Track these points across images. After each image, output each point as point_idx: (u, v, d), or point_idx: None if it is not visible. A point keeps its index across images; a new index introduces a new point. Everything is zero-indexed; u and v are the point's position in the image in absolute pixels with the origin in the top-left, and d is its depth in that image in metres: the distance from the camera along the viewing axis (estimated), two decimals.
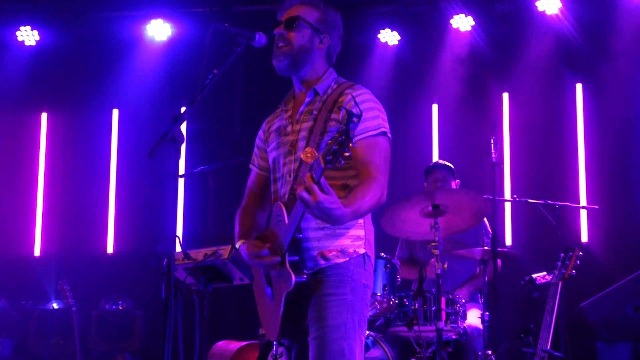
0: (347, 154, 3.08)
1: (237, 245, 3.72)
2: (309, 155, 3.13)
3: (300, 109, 3.76)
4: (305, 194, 3.17)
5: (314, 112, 3.68)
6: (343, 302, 3.53)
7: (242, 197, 4.01)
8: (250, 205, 3.96)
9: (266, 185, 3.92)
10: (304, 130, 3.67)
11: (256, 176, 3.99)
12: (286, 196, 3.64)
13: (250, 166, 4.03)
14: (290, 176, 3.66)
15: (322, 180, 3.17)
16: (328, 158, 3.08)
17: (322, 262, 3.57)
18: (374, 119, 3.59)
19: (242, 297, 8.38)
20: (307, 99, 3.76)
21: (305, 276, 3.51)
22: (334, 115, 3.59)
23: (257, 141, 3.99)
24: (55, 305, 8.51)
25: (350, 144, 3.06)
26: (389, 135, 3.64)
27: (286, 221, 3.51)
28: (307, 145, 3.58)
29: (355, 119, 3.06)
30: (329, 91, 3.74)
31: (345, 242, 3.60)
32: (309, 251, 3.56)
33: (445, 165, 6.75)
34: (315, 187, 3.16)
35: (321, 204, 3.18)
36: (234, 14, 9.00)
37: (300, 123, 3.71)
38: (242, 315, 8.57)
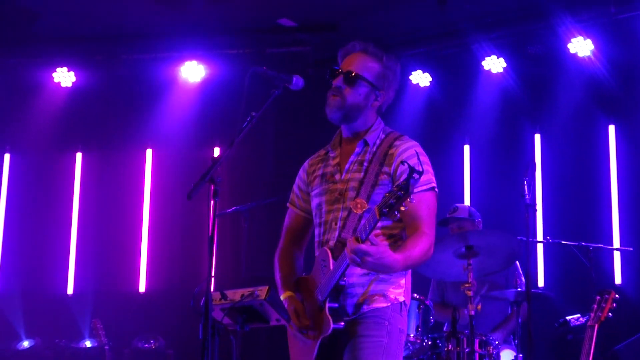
0: (403, 209, 3.12)
1: (281, 297, 3.73)
2: (359, 205, 3.19)
3: (351, 159, 3.77)
4: (353, 257, 3.25)
5: (365, 163, 3.71)
6: (379, 344, 3.54)
7: (280, 237, 4.02)
8: (288, 246, 3.98)
9: (304, 226, 3.95)
10: (354, 180, 3.70)
11: (295, 216, 4.00)
12: (331, 243, 3.65)
13: (289, 205, 4.03)
14: (336, 224, 3.68)
15: (371, 236, 3.25)
16: (384, 210, 3.13)
17: (364, 307, 3.60)
18: (425, 174, 3.60)
19: (274, 337, 8.38)
20: (357, 149, 3.77)
21: (343, 323, 3.54)
22: (385, 169, 3.63)
23: (299, 182, 4.00)
24: (88, 344, 8.54)
25: (408, 200, 3.09)
26: (436, 190, 3.67)
27: (331, 267, 3.54)
28: (357, 196, 3.61)
29: (416, 176, 3.11)
30: (378, 142, 3.76)
31: (387, 287, 3.63)
32: (353, 297, 3.59)
33: (454, 217, 6.64)
34: (362, 247, 3.22)
35: (371, 257, 3.24)
36: (266, 55, 9.10)
37: (350, 173, 3.74)
38: (274, 355, 8.55)
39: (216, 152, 9.21)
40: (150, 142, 9.65)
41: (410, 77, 9.16)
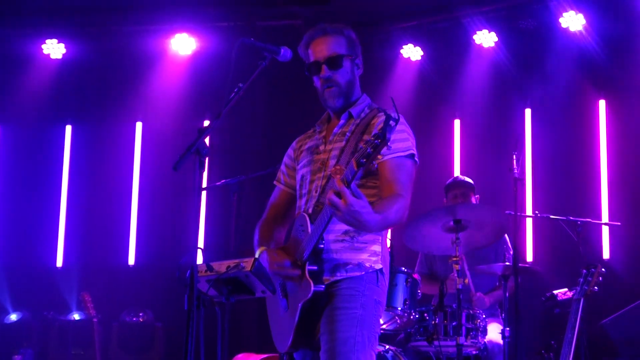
0: (380, 157, 3.14)
1: (257, 253, 3.76)
2: (337, 171, 3.17)
3: (335, 131, 3.82)
4: (335, 198, 3.20)
5: (347, 133, 3.74)
6: (353, 316, 3.56)
7: (264, 212, 4.04)
8: (270, 220, 4.02)
9: (289, 203, 3.98)
10: (335, 149, 3.74)
11: (280, 192, 4.04)
12: (310, 210, 3.67)
13: (275, 183, 4.08)
14: (316, 192, 3.72)
15: (353, 185, 3.21)
16: (362, 161, 3.11)
17: (338, 274, 3.61)
18: (403, 141, 3.64)
19: (262, 309, 8.39)
20: (341, 121, 3.82)
21: (323, 286, 3.56)
22: (365, 137, 3.61)
23: (286, 159, 4.04)
24: (76, 316, 8.55)
25: (386, 146, 3.08)
26: (416, 159, 3.69)
27: (309, 230, 3.56)
28: (337, 163, 3.63)
29: (392, 123, 3.10)
30: (362, 115, 3.81)
31: (363, 256, 3.64)
32: (328, 262, 3.60)
33: (464, 180, 6.76)
34: (347, 190, 3.18)
35: (352, 207, 3.21)
36: (257, 28, 9.05)
37: (333, 143, 3.78)
38: (263, 327, 8.57)
39: (206, 124, 9.16)
40: (140, 114, 9.62)
41: (402, 51, 9.14)
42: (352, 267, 3.61)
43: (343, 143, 3.72)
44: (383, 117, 3.59)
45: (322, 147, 3.82)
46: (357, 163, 3.13)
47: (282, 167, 4.05)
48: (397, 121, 3.10)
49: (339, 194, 3.19)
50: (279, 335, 3.76)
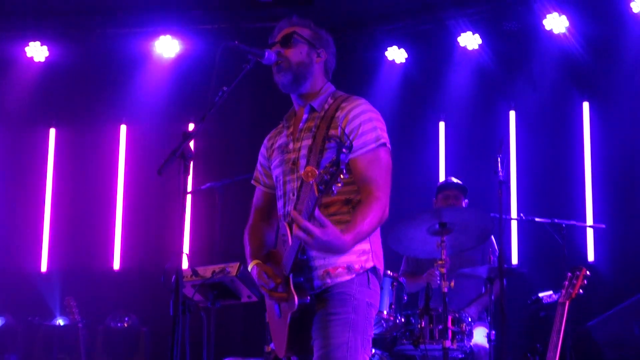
0: (339, 185, 3.12)
1: (249, 267, 3.74)
2: (309, 174, 3.17)
3: (300, 126, 3.77)
4: (301, 234, 3.22)
5: (313, 129, 3.69)
6: (345, 320, 3.53)
7: (249, 216, 4.02)
8: (257, 223, 3.98)
9: (272, 202, 3.93)
10: (304, 148, 3.69)
11: (262, 194, 4.00)
12: (290, 215, 3.64)
13: (254, 183, 4.04)
14: (293, 194, 3.67)
15: (317, 213, 3.21)
16: (321, 188, 3.11)
17: (328, 280, 3.57)
18: (372, 131, 3.60)
19: (248, 314, 8.38)
20: (305, 116, 3.77)
21: (308, 297, 3.52)
22: (332, 132, 3.60)
23: (260, 158, 4.00)
24: (61, 322, 8.51)
25: (342, 175, 3.09)
26: (388, 145, 3.65)
27: (289, 242, 3.52)
28: (307, 163, 3.59)
29: (345, 150, 3.10)
30: (326, 106, 3.74)
31: (351, 258, 3.59)
32: (315, 270, 3.57)
33: (458, 183, 6.76)
34: (309, 226, 3.20)
35: (318, 239, 3.23)
36: (241, 30, 9.03)
37: (300, 141, 3.72)
38: (248, 332, 8.56)
39: (191, 127, 9.17)
40: (124, 117, 9.58)
41: (386, 53, 9.14)
42: (342, 271, 3.58)
43: (310, 140, 3.66)
44: (347, 109, 3.61)
45: (291, 146, 3.77)
46: (317, 190, 3.13)
47: (258, 166, 4.01)
48: (349, 149, 3.12)
49: (303, 230, 3.21)
50: (276, 339, 3.73)
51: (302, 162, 3.66)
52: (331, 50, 3.89)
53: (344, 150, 3.10)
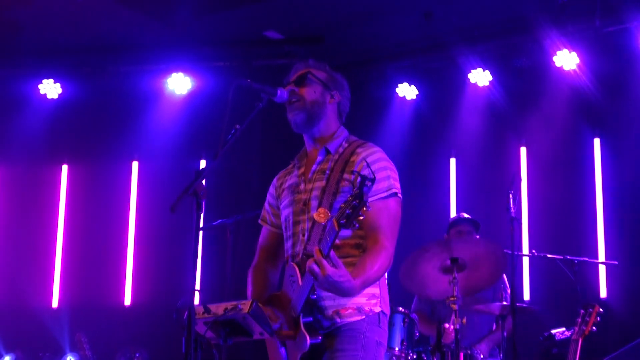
0: (361, 218, 3.12)
1: None
2: (322, 215, 3.18)
3: (313, 168, 3.77)
4: (315, 267, 3.23)
5: (327, 171, 3.69)
6: (353, 357, 3.52)
7: (255, 255, 4.02)
8: (262, 263, 3.97)
9: (278, 242, 3.93)
10: (316, 189, 3.68)
11: (268, 233, 4.00)
12: (299, 256, 3.63)
13: (261, 222, 4.04)
14: (303, 235, 3.67)
15: (332, 253, 3.23)
16: (342, 222, 3.12)
17: (338, 320, 3.57)
18: (385, 179, 3.60)
19: (259, 351, 8.34)
20: (319, 158, 3.77)
21: (320, 337, 3.52)
22: (346, 175, 3.61)
23: (269, 198, 4.00)
24: (71, 358, 8.48)
25: (365, 208, 3.09)
26: (399, 195, 3.65)
27: (300, 282, 3.51)
28: (319, 205, 3.59)
29: (368, 183, 3.10)
30: (341, 150, 3.75)
31: (361, 300, 3.59)
32: (325, 310, 3.56)
33: (470, 218, 6.75)
34: (324, 262, 3.21)
35: (330, 278, 3.24)
36: (253, 67, 9.10)
37: (313, 182, 3.72)
38: None
39: (202, 164, 9.20)
40: (136, 154, 9.63)
41: (397, 90, 9.18)
42: (352, 312, 3.57)
43: (324, 182, 3.66)
44: (361, 156, 3.61)
45: (302, 186, 3.76)
46: (337, 224, 3.13)
47: (267, 206, 4.01)
48: (373, 181, 3.12)
49: (318, 264, 3.21)
50: None
51: (314, 203, 3.66)
52: (345, 94, 3.91)
53: (367, 183, 3.09)
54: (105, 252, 9.45)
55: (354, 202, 3.10)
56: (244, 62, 9.18)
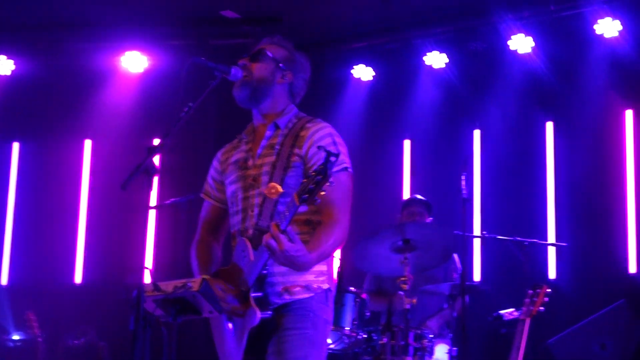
0: (322, 193, 3.13)
1: None
2: (272, 191, 3.18)
3: (262, 143, 3.77)
4: (272, 242, 3.23)
5: (277, 146, 3.70)
6: (304, 336, 3.54)
7: (197, 229, 4.00)
8: (206, 238, 3.96)
9: (221, 217, 3.93)
10: (266, 165, 3.69)
11: (211, 207, 3.98)
12: (249, 231, 3.63)
13: (203, 196, 4.02)
14: (252, 211, 3.67)
15: (289, 228, 3.23)
16: (304, 197, 3.13)
17: (286, 296, 3.58)
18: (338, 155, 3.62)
19: (209, 329, 8.34)
20: (269, 133, 3.77)
21: (270, 312, 3.53)
22: (296, 150, 3.63)
23: (212, 172, 3.99)
24: (16, 337, 8.40)
25: (327, 183, 3.10)
26: (350, 170, 3.67)
27: (251, 257, 3.51)
28: (270, 180, 3.60)
29: (333, 159, 3.12)
30: (290, 125, 3.76)
31: (309, 277, 3.61)
32: (274, 286, 3.57)
33: (422, 200, 6.80)
34: (282, 237, 3.22)
35: (287, 252, 3.24)
36: (210, 47, 9.05)
37: (263, 157, 3.73)
38: (212, 347, 8.52)
39: (156, 142, 9.12)
40: (89, 132, 9.54)
41: (353, 71, 9.19)
42: (300, 289, 3.59)
43: (274, 157, 3.67)
44: (312, 130, 3.63)
45: (250, 162, 3.76)
46: (299, 199, 3.15)
47: (209, 180, 3.99)
48: (337, 156, 3.13)
49: (275, 238, 3.22)
50: (226, 357, 3.73)
51: (264, 178, 3.66)
52: (302, 75, 3.90)
53: (331, 159, 3.10)
54: (56, 230, 9.37)
55: (318, 178, 3.11)
56: (201, 41, 9.12)
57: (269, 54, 3.82)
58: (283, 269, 3.54)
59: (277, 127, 3.78)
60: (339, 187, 3.55)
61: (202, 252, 3.91)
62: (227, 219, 3.88)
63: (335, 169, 3.50)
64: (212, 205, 3.98)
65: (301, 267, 3.37)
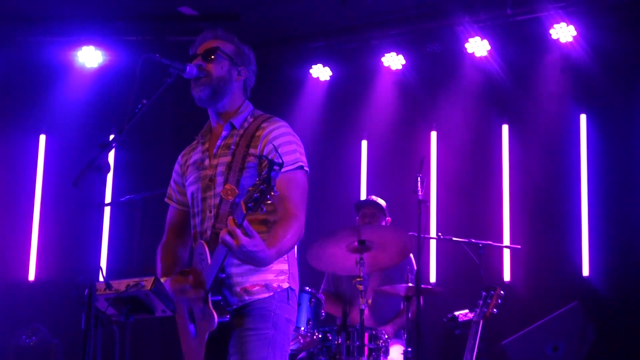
0: (269, 202, 3.12)
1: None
2: (229, 192, 3.17)
3: (218, 143, 3.76)
4: (228, 238, 3.20)
5: (232, 146, 3.69)
6: (264, 336, 3.53)
7: (163, 233, 4.00)
8: (171, 241, 3.95)
9: (186, 220, 3.91)
10: (221, 165, 3.68)
11: (175, 211, 3.98)
12: (207, 233, 3.62)
13: (167, 201, 4.02)
14: (210, 212, 3.66)
15: (245, 223, 3.20)
16: (249, 205, 3.12)
17: (246, 297, 3.57)
18: (291, 153, 3.61)
19: (165, 329, 8.29)
20: (224, 133, 3.76)
21: (228, 316, 3.52)
22: (252, 150, 3.62)
23: (174, 175, 3.99)
24: None
25: (272, 193, 3.10)
26: (306, 168, 3.67)
27: (209, 261, 3.50)
28: (226, 181, 3.59)
29: (276, 167, 3.11)
30: (246, 124, 3.75)
31: (269, 276, 3.60)
32: (233, 287, 3.56)
33: (374, 202, 6.81)
34: (238, 231, 3.19)
35: (244, 248, 3.21)
36: (166, 43, 8.98)
37: (218, 157, 3.72)
38: (165, 347, 8.47)
39: (111, 139, 9.03)
40: (44, 127, 9.40)
41: (311, 71, 9.18)
42: (259, 289, 3.58)
43: (229, 158, 3.66)
44: (268, 129, 3.62)
45: (207, 162, 3.75)
46: (245, 207, 3.13)
47: (172, 183, 3.99)
48: (281, 166, 3.13)
49: (231, 234, 3.19)
50: (190, 358, 3.70)
51: (220, 179, 3.65)
52: (252, 67, 3.90)
53: (275, 167, 3.10)
54: (9, 226, 9.22)
55: (262, 187, 3.11)
56: (158, 37, 9.05)
57: (224, 51, 3.79)
58: (241, 269, 3.53)
59: (232, 126, 3.77)
60: (295, 185, 3.57)
61: (166, 255, 3.90)
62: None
63: (289, 167, 3.52)
64: (176, 209, 3.98)
65: (260, 262, 3.34)
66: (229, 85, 3.78)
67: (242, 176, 3.58)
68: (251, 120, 3.77)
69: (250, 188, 3.14)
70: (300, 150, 3.67)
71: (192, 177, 3.80)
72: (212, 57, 3.76)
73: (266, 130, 3.66)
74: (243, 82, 3.86)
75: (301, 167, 3.64)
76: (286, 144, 3.61)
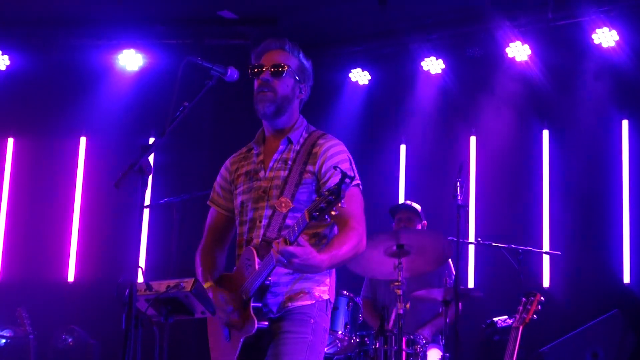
0: (334, 213, 3.14)
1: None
2: (283, 205, 3.21)
3: (275, 157, 3.78)
4: (281, 257, 3.28)
5: (289, 162, 3.72)
6: (303, 340, 3.56)
7: (202, 236, 4.01)
8: (210, 245, 3.97)
9: (227, 225, 3.94)
10: (277, 179, 3.71)
11: (217, 215, 3.99)
12: (256, 241, 3.65)
13: (210, 204, 4.02)
14: (261, 222, 3.68)
15: (299, 239, 3.28)
16: (314, 214, 3.17)
17: (289, 304, 3.61)
18: (349, 171, 3.59)
19: (203, 330, 8.31)
20: (282, 147, 3.79)
21: (267, 323, 3.55)
22: (309, 167, 3.66)
23: (221, 181, 3.98)
24: (5, 333, 8.35)
25: (339, 204, 3.14)
26: (360, 187, 3.73)
27: (256, 267, 3.52)
28: (281, 194, 3.63)
29: (347, 180, 3.16)
30: (302, 140, 3.78)
31: (312, 285, 3.65)
32: (277, 296, 3.60)
33: (409, 206, 6.78)
34: (289, 248, 3.26)
35: (297, 259, 3.28)
36: (205, 46, 9.03)
37: (274, 171, 3.74)
38: (203, 348, 8.49)
39: (151, 141, 9.08)
40: (84, 129, 9.50)
41: (350, 75, 9.18)
42: (303, 295, 3.62)
43: (286, 172, 3.70)
44: (325, 147, 3.66)
45: (262, 174, 3.78)
46: (309, 216, 3.19)
47: (217, 187, 3.99)
48: (352, 179, 3.18)
49: (282, 254, 3.27)
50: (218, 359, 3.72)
51: (275, 192, 3.69)
52: (310, 83, 3.92)
53: (346, 180, 3.15)
54: (49, 228, 9.32)
55: (330, 197, 3.16)
56: (197, 40, 9.11)
57: (292, 69, 3.80)
58: (287, 278, 3.59)
59: (289, 141, 3.80)
60: (354, 200, 3.62)
61: (206, 258, 3.91)
62: (233, 227, 3.90)
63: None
64: (218, 213, 3.98)
65: (314, 268, 3.39)
66: (291, 103, 3.81)
67: (297, 191, 3.63)
68: (306, 135, 3.81)
69: (317, 198, 3.20)
70: (355, 168, 3.73)
71: (244, 186, 3.82)
72: (282, 74, 3.77)
73: (323, 147, 3.70)
74: (301, 99, 3.89)
75: (357, 185, 3.70)
76: (343, 161, 3.66)
